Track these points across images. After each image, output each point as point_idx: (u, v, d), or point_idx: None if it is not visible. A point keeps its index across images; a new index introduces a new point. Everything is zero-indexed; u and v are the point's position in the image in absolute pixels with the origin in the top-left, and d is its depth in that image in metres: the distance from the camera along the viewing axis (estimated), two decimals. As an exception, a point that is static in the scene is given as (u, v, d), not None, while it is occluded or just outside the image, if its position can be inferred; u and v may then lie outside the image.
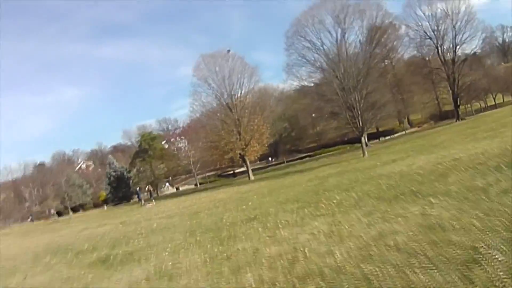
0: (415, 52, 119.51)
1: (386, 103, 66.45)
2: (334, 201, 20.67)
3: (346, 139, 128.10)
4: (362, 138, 62.69)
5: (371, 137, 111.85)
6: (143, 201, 70.00)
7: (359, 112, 59.98)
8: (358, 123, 60.64)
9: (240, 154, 79.33)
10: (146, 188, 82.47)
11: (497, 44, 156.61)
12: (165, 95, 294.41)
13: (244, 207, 28.18)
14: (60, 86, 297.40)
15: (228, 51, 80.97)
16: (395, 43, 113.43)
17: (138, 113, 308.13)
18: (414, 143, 58.00)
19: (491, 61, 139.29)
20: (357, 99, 60.10)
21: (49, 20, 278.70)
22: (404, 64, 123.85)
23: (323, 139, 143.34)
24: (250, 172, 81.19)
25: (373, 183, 24.49)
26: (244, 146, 77.80)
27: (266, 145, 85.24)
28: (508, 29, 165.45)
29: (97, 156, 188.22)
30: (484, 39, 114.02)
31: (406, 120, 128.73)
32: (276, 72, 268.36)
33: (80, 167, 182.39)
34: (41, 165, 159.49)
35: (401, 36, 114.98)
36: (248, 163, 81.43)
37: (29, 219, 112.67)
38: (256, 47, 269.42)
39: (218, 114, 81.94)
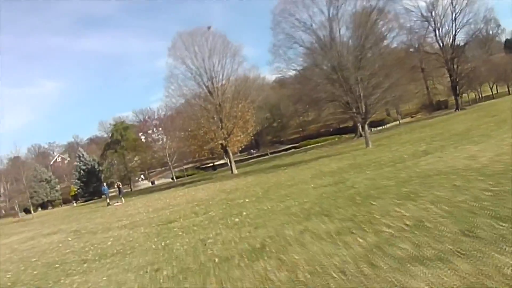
0: (405, 38, 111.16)
1: (391, 85, 57.52)
2: (408, 222, 11.83)
3: (331, 130, 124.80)
4: (366, 126, 53.90)
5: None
6: (108, 200, 62.64)
7: (362, 95, 51.24)
8: (360, 108, 51.84)
9: (221, 144, 70.23)
10: (116, 184, 73.40)
11: (480, 36, 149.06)
12: (144, 87, 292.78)
13: (237, 219, 19.46)
14: (39, 78, 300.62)
15: (209, 28, 72.27)
16: (383, 28, 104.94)
17: (117, 106, 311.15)
18: (425, 133, 50.28)
19: (473, 53, 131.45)
20: (358, 80, 51.48)
21: (29, 12, 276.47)
22: (393, 51, 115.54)
23: (306, 130, 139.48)
24: (233, 165, 72.28)
25: (446, 185, 15.86)
26: (227, 136, 69.01)
27: (252, 134, 76.32)
28: (492, 21, 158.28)
29: (73, 149, 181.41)
30: (470, 33, 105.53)
31: (395, 110, 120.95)
32: (257, 64, 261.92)
33: (56, 160, 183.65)
34: (16, 158, 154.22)
35: (392, 20, 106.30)
36: (231, 154, 72.49)
37: None
38: (238, 38, 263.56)
39: (196, 99, 72.68)
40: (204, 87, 71.19)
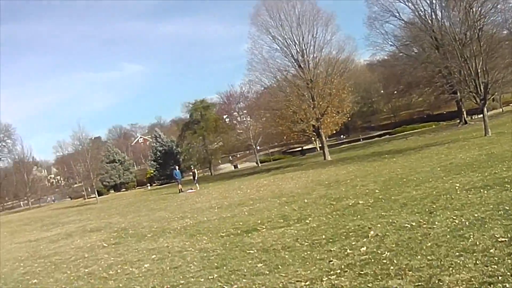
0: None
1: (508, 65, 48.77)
2: None
3: (425, 116, 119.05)
4: (485, 109, 44.88)
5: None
6: (181, 186, 56.27)
7: (479, 71, 42.54)
8: (478, 86, 42.98)
9: (313, 126, 61.20)
10: (192, 169, 66.29)
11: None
12: (229, 72, 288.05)
13: (362, 248, 10.85)
14: (122, 62, 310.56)
15: (297, -9, 62.88)
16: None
17: (201, 89, 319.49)
18: None
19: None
20: (475, 52, 43.06)
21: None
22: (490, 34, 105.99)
23: (397, 116, 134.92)
24: (326, 149, 63.03)
25: None
26: (319, 116, 59.82)
27: (348, 115, 66.19)
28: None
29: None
30: None
31: (492, 98, 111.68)
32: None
33: (138, 141, 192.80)
34: (97, 139, 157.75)
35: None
36: (323, 138, 63.33)
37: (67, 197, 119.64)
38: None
39: (284, 74, 63.86)
40: (293, 60, 62.26)
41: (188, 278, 11.45)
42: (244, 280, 10.14)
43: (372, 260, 9.59)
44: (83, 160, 71.40)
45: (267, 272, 10.33)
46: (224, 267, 11.81)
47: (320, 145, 73.24)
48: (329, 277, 9.02)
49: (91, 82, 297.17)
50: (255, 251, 13.11)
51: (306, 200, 22.35)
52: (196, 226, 21.56)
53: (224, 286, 9.97)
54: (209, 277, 11.10)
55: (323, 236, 13.07)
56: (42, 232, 34.05)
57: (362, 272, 8.85)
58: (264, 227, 17.14)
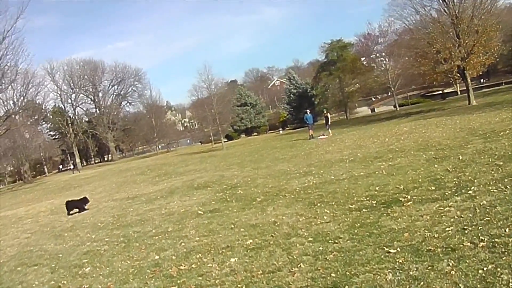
0: None
1: None
2: None
3: None
4: None
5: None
6: (312, 132, 53.05)
7: None
8: None
9: (458, 66, 55.39)
10: (325, 113, 62.04)
11: None
12: (366, 15, 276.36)
13: None
14: (261, 6, 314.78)
15: None
16: None
17: (339, 32, 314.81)
18: None
19: None
20: None
21: None
22: None
23: None
24: (471, 93, 57.30)
25: None
26: (465, 56, 53.96)
27: (496, 55, 58.68)
28: None
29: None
30: None
31: None
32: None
33: (274, 84, 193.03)
34: (233, 82, 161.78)
35: None
36: (469, 80, 57.61)
37: (199, 142, 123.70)
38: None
39: (427, 9, 57.80)
40: (436, -8, 56.93)
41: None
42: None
43: None
44: (211, 104, 70.28)
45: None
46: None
47: (463, 89, 67.39)
48: None
49: (229, 26, 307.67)
50: (398, 250, 8.20)
51: (461, 157, 17.09)
52: (320, 188, 17.33)
53: None
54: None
55: (507, 230, 7.96)
56: (147, 186, 32.16)
57: None
58: (409, 198, 12.31)
